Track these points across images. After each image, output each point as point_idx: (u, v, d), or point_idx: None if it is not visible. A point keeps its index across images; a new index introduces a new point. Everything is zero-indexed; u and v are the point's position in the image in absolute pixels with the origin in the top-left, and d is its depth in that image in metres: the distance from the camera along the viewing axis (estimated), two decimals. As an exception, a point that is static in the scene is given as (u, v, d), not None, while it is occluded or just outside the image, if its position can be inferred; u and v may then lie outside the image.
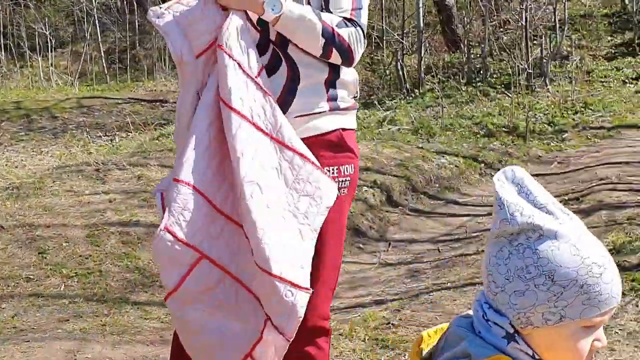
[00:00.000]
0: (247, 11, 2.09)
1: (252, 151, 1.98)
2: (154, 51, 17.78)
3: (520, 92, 10.72)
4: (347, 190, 2.24)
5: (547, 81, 11.41)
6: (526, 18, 11.57)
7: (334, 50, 2.08)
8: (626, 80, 11.61)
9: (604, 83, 11.58)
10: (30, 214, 5.08)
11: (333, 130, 2.20)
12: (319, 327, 2.20)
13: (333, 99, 2.18)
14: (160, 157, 6.11)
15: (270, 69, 2.10)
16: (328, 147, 2.18)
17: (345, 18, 2.10)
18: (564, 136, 8.71)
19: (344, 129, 2.22)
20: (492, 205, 4.77)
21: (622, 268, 4.29)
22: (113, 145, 7.38)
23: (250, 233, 1.97)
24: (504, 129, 8.94)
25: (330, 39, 2.07)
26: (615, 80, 11.63)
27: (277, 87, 2.11)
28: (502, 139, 8.49)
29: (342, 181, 2.21)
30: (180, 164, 2.01)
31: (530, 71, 11.36)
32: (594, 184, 6.41)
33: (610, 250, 4.48)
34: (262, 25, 2.11)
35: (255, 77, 2.02)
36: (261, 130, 2.02)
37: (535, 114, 9.52)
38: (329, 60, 2.12)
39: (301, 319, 2.01)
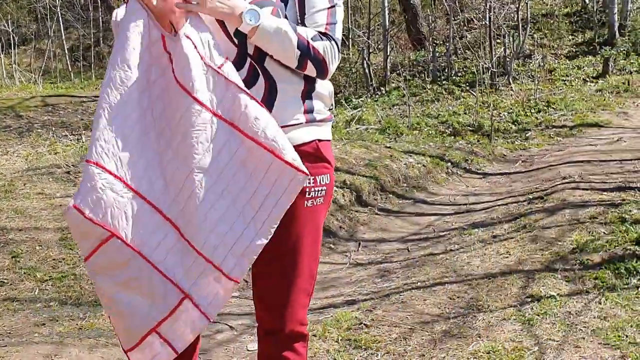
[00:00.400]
0: (226, 25, 2.15)
1: (208, 139, 2.05)
2: (119, 48, 17.64)
3: (485, 91, 10.91)
4: (323, 200, 2.30)
5: (510, 80, 11.63)
6: (490, 18, 11.75)
7: (309, 62, 2.14)
8: (587, 79, 11.88)
9: (566, 81, 11.84)
10: (1, 217, 5.06)
11: (309, 141, 2.25)
12: (296, 333, 2.28)
13: (309, 111, 2.24)
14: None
15: (248, 83, 2.15)
16: (304, 158, 2.20)
17: (320, 32, 2.17)
18: (527, 135, 8.89)
19: (320, 140, 2.27)
20: (459, 204, 4.85)
21: (585, 266, 4.44)
22: (80, 146, 7.33)
23: (192, 220, 2.04)
24: (469, 127, 9.11)
25: (306, 52, 2.11)
26: (576, 79, 11.90)
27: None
28: (468, 138, 8.64)
29: (318, 191, 2.26)
30: (92, 143, 2.03)
31: (494, 70, 11.56)
32: (557, 183, 6.56)
33: (573, 249, 4.67)
34: (240, 39, 2.16)
35: (219, 67, 2.08)
36: (222, 118, 2.07)
37: (500, 113, 9.71)
38: (304, 72, 2.19)
39: (224, 303, 2.14)
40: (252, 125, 2.06)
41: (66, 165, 5.93)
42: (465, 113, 9.76)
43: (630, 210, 5.44)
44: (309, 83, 2.23)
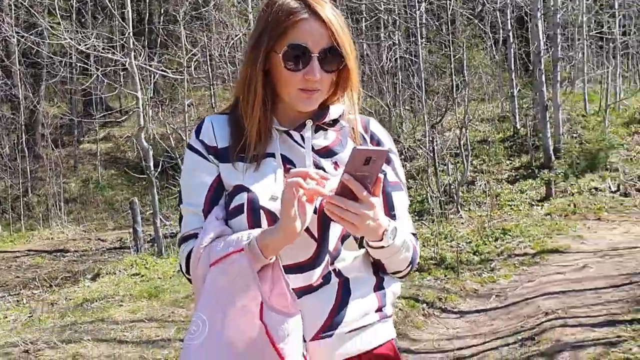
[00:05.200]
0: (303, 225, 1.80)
1: None
2: (49, 198, 17.07)
3: (434, 220, 10.81)
4: None
5: (458, 207, 11.60)
6: (433, 149, 11.84)
7: (412, 268, 1.97)
8: (532, 203, 11.96)
9: (513, 206, 11.88)
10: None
11: (386, 341, 1.97)
12: None
13: (382, 307, 1.97)
14: (93, 329, 5.56)
15: (319, 284, 1.86)
16: None
17: (412, 234, 2.00)
18: (492, 265, 8.71)
19: (394, 339, 2.01)
20: (446, 351, 4.47)
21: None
22: (33, 318, 6.70)
23: None
24: (432, 261, 8.88)
25: (414, 260, 1.97)
26: (522, 203, 11.97)
27: (328, 301, 1.86)
28: (434, 273, 8.39)
29: None
30: None
31: (442, 199, 11.54)
32: (543, 320, 6.30)
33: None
34: (324, 234, 1.85)
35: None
36: None
37: (459, 244, 9.55)
38: (399, 276, 1.99)
39: None
40: None
41: (24, 342, 5.32)
42: (424, 246, 9.56)
43: (630, 349, 5.23)
44: (379, 277, 1.97)
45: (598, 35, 18.01)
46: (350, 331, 1.88)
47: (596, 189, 12.61)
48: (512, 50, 15.62)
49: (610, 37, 17.22)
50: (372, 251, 1.87)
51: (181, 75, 14.95)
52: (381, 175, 1.71)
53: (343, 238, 1.88)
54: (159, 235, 11.16)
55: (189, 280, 1.90)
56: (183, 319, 6.13)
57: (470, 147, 14.22)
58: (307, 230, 1.81)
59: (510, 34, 15.75)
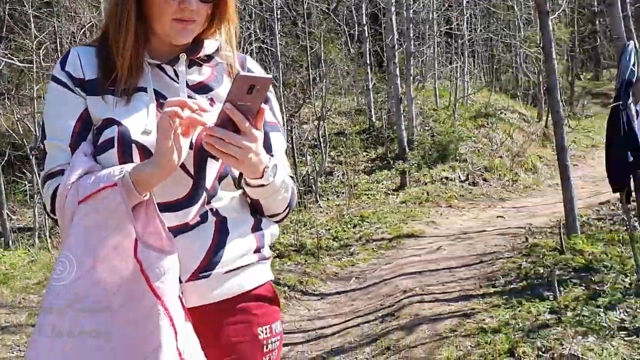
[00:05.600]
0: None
1: None
2: None
3: (295, 209, 10.89)
4: (277, 352, 1.95)
5: (317, 197, 11.74)
6: (291, 139, 11.91)
7: (289, 211, 1.94)
8: (388, 192, 12.31)
9: (369, 195, 12.17)
10: None
11: (264, 283, 1.92)
12: None
13: (260, 247, 1.92)
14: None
15: (196, 223, 1.78)
16: (261, 303, 1.89)
17: (290, 177, 1.94)
18: (351, 250, 8.88)
19: (272, 280, 1.96)
20: (308, 330, 4.51)
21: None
22: None
23: None
24: (292, 248, 8.93)
25: (292, 202, 1.92)
26: (378, 192, 12.29)
27: (205, 241, 1.79)
28: (294, 259, 8.44)
29: (275, 341, 1.93)
30: None
31: (300, 188, 11.64)
32: (402, 297, 6.49)
33: (454, 368, 4.47)
34: (200, 169, 1.78)
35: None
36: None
37: (318, 231, 9.67)
38: (277, 219, 1.95)
39: None
40: None
41: None
42: (284, 233, 9.60)
43: (483, 320, 5.47)
44: (257, 218, 1.92)
45: (447, 32, 18.81)
46: (228, 271, 1.81)
47: (447, 178, 13.18)
48: (366, 45, 15.99)
49: (459, 32, 18.03)
50: (251, 190, 1.81)
51: (30, 64, 14.21)
52: (264, 107, 1.66)
53: (220, 177, 1.81)
54: (5, 227, 10.56)
55: (55, 221, 1.78)
56: (35, 304, 5.82)
57: (328, 139, 14.44)
58: (183, 166, 1.74)
59: (365, 28, 16.10)
